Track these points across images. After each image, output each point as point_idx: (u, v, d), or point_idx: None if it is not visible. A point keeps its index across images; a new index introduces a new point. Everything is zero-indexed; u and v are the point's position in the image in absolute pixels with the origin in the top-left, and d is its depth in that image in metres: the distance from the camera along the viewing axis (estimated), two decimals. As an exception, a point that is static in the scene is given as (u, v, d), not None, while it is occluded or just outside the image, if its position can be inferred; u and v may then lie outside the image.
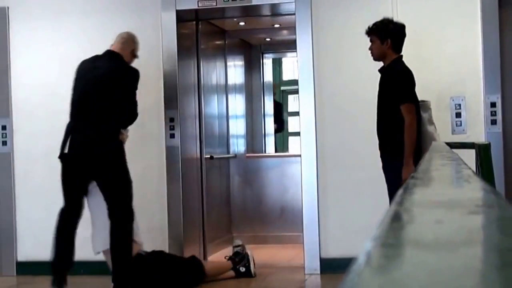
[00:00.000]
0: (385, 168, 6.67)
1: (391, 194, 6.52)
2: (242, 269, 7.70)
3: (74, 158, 6.93)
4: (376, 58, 6.81)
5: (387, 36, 6.68)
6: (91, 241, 7.42)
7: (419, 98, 6.71)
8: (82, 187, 7.07)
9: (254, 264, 7.83)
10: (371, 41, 6.78)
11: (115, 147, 7.01)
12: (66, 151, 6.92)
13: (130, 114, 7.19)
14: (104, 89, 6.96)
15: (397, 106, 6.49)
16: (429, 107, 6.82)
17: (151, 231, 8.38)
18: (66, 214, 7.07)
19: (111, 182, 7.05)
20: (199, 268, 7.54)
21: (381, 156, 6.76)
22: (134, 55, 7.47)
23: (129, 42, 7.48)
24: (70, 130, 6.97)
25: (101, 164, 6.96)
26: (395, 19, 6.94)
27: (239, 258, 7.77)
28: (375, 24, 6.78)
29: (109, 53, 7.28)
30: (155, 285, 7.38)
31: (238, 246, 7.90)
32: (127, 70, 7.25)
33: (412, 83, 6.62)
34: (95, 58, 7.22)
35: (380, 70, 6.77)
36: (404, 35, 6.76)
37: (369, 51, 6.78)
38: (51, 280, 6.94)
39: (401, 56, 6.74)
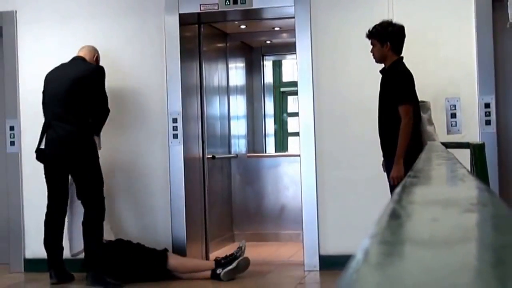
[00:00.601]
0: (387, 167, 6.68)
1: (392, 192, 6.53)
2: (221, 270, 7.44)
3: (51, 153, 7.45)
4: (377, 61, 6.82)
5: (386, 39, 6.68)
6: (68, 242, 7.69)
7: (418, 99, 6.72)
8: (62, 180, 7.60)
9: (237, 269, 7.53)
10: (372, 44, 6.78)
11: (88, 142, 7.49)
12: (42, 146, 7.49)
13: (102, 108, 7.69)
14: (75, 88, 7.49)
15: (396, 107, 6.51)
16: (429, 108, 6.83)
17: (155, 229, 8.39)
18: (51, 208, 7.68)
19: (85, 174, 7.51)
20: (161, 262, 7.48)
21: (383, 156, 6.78)
22: (98, 62, 8.01)
23: (92, 50, 8.02)
24: (46, 128, 7.51)
25: (75, 158, 7.43)
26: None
27: (227, 260, 7.55)
28: (374, 27, 6.78)
29: (74, 58, 7.86)
30: (114, 273, 7.47)
31: (239, 248, 7.73)
32: (93, 69, 7.75)
33: (411, 85, 6.63)
34: (62, 65, 7.84)
35: (381, 71, 6.78)
36: (403, 36, 6.76)
37: (371, 54, 6.79)
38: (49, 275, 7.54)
39: (402, 57, 6.74)
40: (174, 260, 7.54)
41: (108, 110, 7.70)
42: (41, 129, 7.60)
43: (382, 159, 6.85)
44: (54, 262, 7.59)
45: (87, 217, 7.46)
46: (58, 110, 7.47)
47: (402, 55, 6.75)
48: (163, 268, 7.46)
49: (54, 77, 7.68)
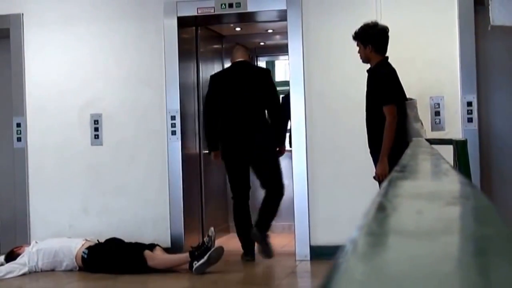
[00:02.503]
0: (375, 163, 6.66)
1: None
2: (195, 264, 7.23)
3: (243, 153, 7.86)
4: (363, 61, 6.80)
5: (368, 41, 6.63)
6: None
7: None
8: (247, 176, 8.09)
9: (209, 263, 7.27)
10: (357, 45, 6.77)
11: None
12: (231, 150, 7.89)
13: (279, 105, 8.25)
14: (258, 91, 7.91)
15: (381, 107, 6.50)
16: (415, 106, 6.76)
17: (154, 221, 8.39)
18: (237, 204, 8.10)
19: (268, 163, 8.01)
20: (139, 258, 7.38)
21: (370, 152, 6.74)
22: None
23: (246, 50, 8.50)
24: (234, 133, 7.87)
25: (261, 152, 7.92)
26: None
27: (200, 252, 7.29)
28: (357, 30, 6.77)
29: (240, 63, 8.05)
30: (103, 267, 7.47)
31: (209, 237, 7.41)
32: (265, 71, 8.33)
33: (395, 85, 6.59)
34: (231, 71, 8.16)
35: (368, 71, 6.77)
36: (386, 38, 6.70)
37: (358, 55, 6.77)
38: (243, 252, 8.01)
39: (386, 58, 6.70)
40: (151, 262, 7.35)
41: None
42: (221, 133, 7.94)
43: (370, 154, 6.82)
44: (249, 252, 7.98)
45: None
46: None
47: (387, 55, 6.71)
48: (144, 267, 7.37)
49: (237, 83, 7.97)
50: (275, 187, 7.95)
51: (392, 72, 6.62)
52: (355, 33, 6.75)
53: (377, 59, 6.65)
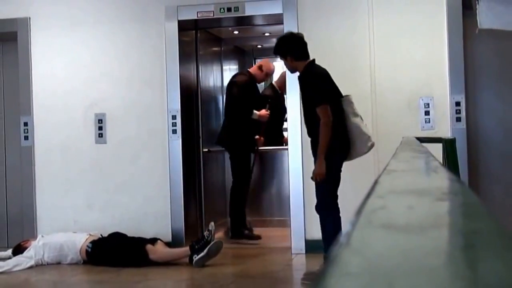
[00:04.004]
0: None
1: (320, 186, 6.45)
2: (195, 257, 7.25)
3: None
4: (291, 72, 6.73)
5: (285, 53, 6.53)
6: None
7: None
8: None
9: (209, 256, 7.29)
10: (281, 59, 6.71)
11: None
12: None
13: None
14: None
15: (315, 109, 6.35)
16: (351, 101, 6.54)
17: (156, 216, 8.39)
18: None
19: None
20: (141, 252, 7.38)
21: (312, 154, 6.57)
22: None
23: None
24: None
25: None
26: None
27: (200, 246, 7.32)
28: (274, 46, 6.67)
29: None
30: (107, 260, 7.48)
31: (208, 231, 7.43)
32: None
33: (325, 84, 6.41)
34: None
35: (298, 78, 6.66)
36: (302, 44, 6.56)
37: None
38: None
39: (311, 61, 6.56)
40: (153, 255, 7.37)
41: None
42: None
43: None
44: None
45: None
46: None
47: (313, 58, 6.58)
48: (146, 261, 7.37)
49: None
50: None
51: (320, 73, 6.47)
52: (274, 49, 6.67)
53: (302, 66, 6.51)
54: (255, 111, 8.81)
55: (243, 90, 8.76)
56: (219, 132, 9.06)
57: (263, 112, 8.89)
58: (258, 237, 8.75)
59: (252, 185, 9.39)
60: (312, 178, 6.49)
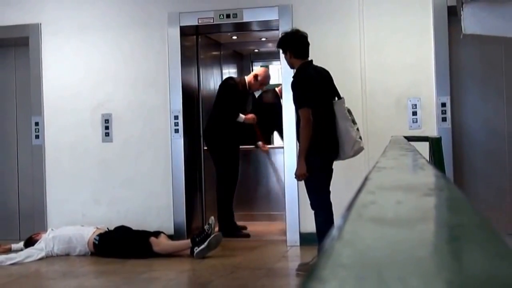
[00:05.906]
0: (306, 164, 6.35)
1: (308, 185, 6.38)
2: (196, 249, 7.25)
3: None
4: (290, 67, 6.59)
5: (286, 47, 6.43)
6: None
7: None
8: None
9: (209, 248, 7.29)
10: (282, 53, 6.60)
11: None
12: None
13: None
14: None
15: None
16: (343, 104, 6.38)
17: (159, 211, 8.39)
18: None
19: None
20: (145, 244, 7.38)
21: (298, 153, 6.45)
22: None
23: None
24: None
25: None
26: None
27: (201, 238, 7.30)
28: (278, 39, 6.61)
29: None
30: (113, 252, 7.49)
31: (209, 224, 7.42)
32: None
33: (310, 88, 6.23)
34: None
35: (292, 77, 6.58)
36: (304, 43, 6.45)
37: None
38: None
39: (308, 61, 6.45)
40: (156, 248, 7.36)
41: None
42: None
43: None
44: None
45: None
46: None
47: (310, 58, 6.47)
48: (149, 252, 7.36)
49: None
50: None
51: (308, 76, 6.30)
52: (277, 42, 6.59)
53: (298, 63, 6.39)
54: (241, 115, 8.76)
55: (231, 93, 8.71)
56: (203, 130, 8.99)
57: (250, 115, 8.85)
58: (247, 236, 8.67)
59: (250, 183, 9.39)
60: (295, 177, 6.41)
